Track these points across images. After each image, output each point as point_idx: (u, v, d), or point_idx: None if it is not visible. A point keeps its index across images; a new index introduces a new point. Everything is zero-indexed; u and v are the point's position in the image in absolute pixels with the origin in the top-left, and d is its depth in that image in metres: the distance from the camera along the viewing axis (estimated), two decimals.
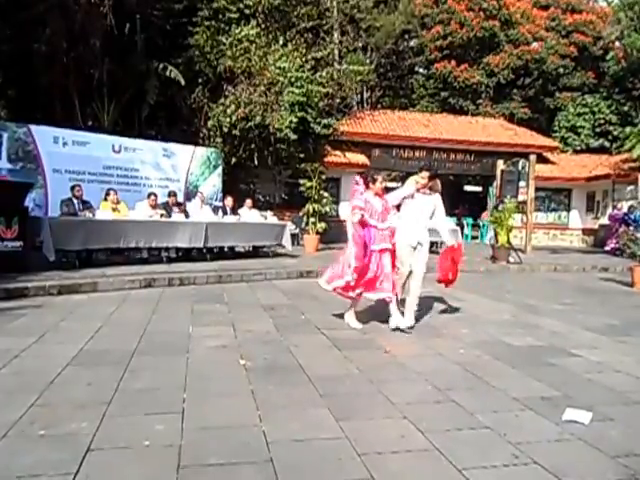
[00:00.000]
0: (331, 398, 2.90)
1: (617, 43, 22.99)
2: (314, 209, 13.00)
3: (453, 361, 3.75)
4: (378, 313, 5.10)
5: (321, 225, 13.06)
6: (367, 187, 4.76)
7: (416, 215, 4.91)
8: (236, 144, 13.07)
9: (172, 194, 10.06)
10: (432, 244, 5.96)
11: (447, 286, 5.37)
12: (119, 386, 2.97)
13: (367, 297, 4.82)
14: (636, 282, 8.59)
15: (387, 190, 5.06)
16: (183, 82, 12.39)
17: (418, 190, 4.91)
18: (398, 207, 5.02)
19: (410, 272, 4.92)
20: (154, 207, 9.06)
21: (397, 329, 4.63)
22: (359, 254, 4.54)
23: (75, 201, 8.26)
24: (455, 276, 5.23)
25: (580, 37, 24.58)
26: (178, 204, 9.99)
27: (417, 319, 5.02)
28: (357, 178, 4.84)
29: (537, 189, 16.03)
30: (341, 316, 4.99)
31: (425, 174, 4.88)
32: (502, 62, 23.87)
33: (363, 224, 4.65)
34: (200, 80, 13.18)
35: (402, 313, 4.80)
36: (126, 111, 12.94)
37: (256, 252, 10.66)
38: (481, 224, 20.19)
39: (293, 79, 12.60)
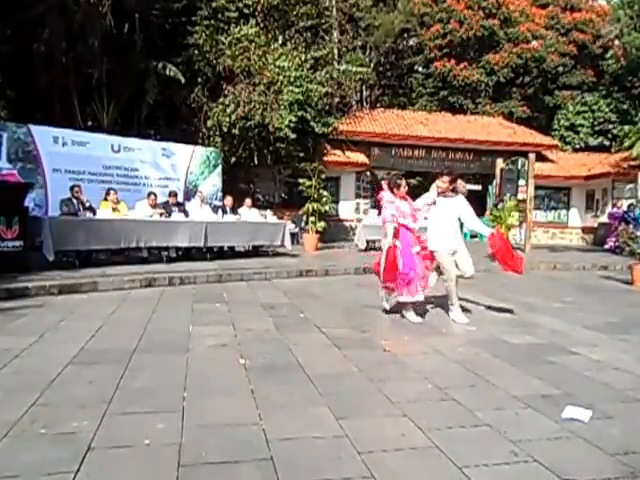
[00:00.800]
0: (331, 397, 2.90)
1: (616, 41, 22.97)
2: (314, 208, 13.01)
3: (452, 359, 3.75)
4: (377, 312, 5.11)
5: (321, 224, 13.06)
6: (392, 192, 4.83)
7: (444, 220, 4.98)
8: (235, 143, 13.06)
9: (172, 194, 10.07)
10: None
11: (519, 270, 5.31)
12: (119, 385, 2.98)
13: (405, 300, 4.90)
14: (636, 280, 8.60)
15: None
16: (183, 80, 12.38)
17: (439, 194, 4.94)
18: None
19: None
20: (154, 207, 9.08)
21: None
22: (404, 253, 4.75)
23: (75, 201, 8.27)
24: (515, 258, 5.20)
25: (579, 35, 24.56)
26: (178, 204, 9.99)
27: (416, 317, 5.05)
28: (384, 186, 4.98)
29: (536, 187, 16.02)
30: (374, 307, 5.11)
31: (446, 178, 4.96)
32: (501, 61, 23.85)
33: (402, 229, 4.81)
34: (199, 79, 13.17)
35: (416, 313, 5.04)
36: (125, 111, 12.94)
37: (256, 251, 10.67)
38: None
39: (292, 78, 12.59)
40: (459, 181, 5.21)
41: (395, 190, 4.83)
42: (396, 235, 4.78)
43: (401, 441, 2.38)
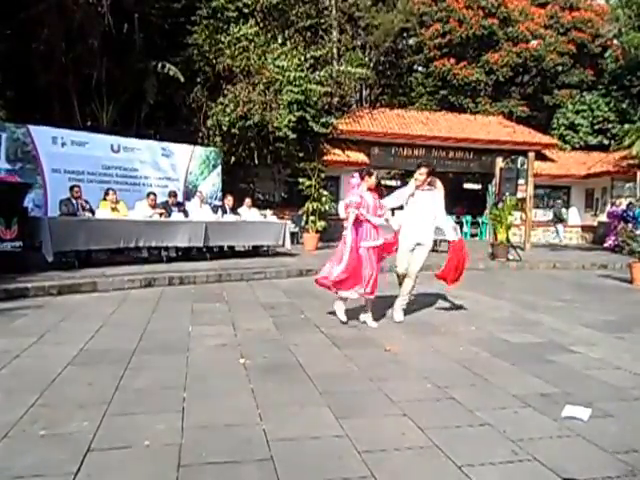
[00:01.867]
0: (331, 396, 2.90)
1: (615, 41, 23.00)
2: (314, 208, 13.02)
3: (452, 358, 3.76)
4: (376, 311, 5.11)
5: (321, 224, 13.07)
6: (362, 179, 4.81)
7: (418, 214, 4.91)
8: (235, 143, 13.06)
9: (172, 194, 10.07)
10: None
11: (449, 285, 5.20)
12: (119, 385, 2.98)
13: (354, 293, 4.78)
14: (635, 279, 8.60)
15: (380, 187, 5.07)
16: (182, 80, 12.37)
17: (417, 187, 4.91)
18: (401, 207, 5.05)
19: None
20: (153, 207, 9.08)
21: (364, 322, 4.83)
22: (351, 261, 4.58)
23: (74, 201, 8.26)
24: (457, 274, 5.06)
25: (578, 35, 24.59)
26: (178, 204, 9.99)
27: (416, 317, 5.04)
28: (355, 174, 4.91)
29: (536, 186, 16.06)
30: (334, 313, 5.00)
31: (423, 170, 4.88)
32: (501, 60, 23.88)
33: (358, 220, 4.69)
34: (199, 79, 13.16)
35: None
36: (125, 111, 12.92)
37: (256, 251, 10.67)
38: (481, 222, 20.22)
39: (292, 78, 12.59)
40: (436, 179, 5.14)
41: (366, 177, 4.77)
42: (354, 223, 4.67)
43: (401, 440, 2.39)
